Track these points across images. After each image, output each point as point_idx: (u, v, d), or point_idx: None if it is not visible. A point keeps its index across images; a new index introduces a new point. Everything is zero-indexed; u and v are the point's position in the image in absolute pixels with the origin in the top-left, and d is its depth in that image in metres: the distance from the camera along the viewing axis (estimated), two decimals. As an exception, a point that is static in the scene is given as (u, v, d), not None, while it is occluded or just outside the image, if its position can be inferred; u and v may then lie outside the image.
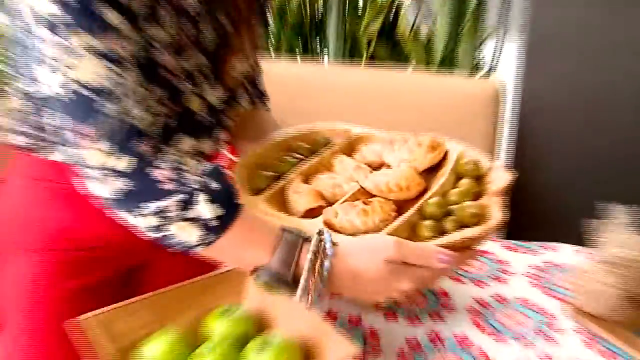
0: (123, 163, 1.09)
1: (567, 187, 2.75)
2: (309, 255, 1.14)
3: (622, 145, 2.62)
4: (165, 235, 1.12)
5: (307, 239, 1.17)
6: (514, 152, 2.73)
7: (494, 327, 1.42)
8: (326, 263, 1.14)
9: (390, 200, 1.34)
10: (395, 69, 2.65)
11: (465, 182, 1.38)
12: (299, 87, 2.57)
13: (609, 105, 2.60)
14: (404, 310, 1.47)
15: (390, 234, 1.25)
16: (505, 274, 1.63)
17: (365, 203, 1.30)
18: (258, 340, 1.20)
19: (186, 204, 1.10)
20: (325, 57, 3.12)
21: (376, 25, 3.08)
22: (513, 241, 1.78)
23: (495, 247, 1.75)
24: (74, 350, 1.23)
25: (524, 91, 2.65)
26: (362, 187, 1.38)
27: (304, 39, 3.17)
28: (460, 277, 1.60)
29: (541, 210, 2.81)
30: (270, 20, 2.90)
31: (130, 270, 1.53)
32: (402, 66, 3.01)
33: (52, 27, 1.04)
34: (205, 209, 1.11)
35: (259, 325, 1.30)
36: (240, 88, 1.54)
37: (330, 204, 1.36)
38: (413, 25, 3.10)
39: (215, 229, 1.12)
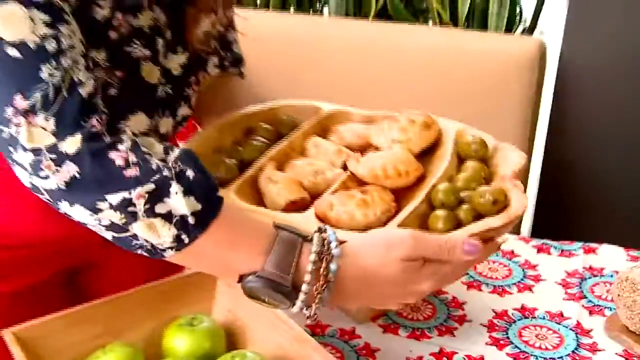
0: (72, 144, 0.92)
1: (614, 175, 2.38)
2: (312, 257, 0.98)
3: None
4: (127, 236, 0.96)
5: (306, 238, 1.01)
6: (549, 128, 2.38)
7: (516, 346, 1.24)
8: (332, 265, 0.98)
9: (386, 188, 1.16)
10: (411, 24, 2.34)
11: (471, 165, 1.20)
12: (291, 46, 2.25)
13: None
14: (406, 322, 1.29)
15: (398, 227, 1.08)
16: (534, 280, 1.41)
17: (362, 192, 1.12)
18: (228, 357, 1.07)
19: (156, 196, 0.93)
20: (325, 10, 2.69)
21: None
22: (545, 240, 1.55)
23: (522, 247, 1.53)
24: None
25: (562, 54, 2.30)
26: (351, 174, 1.19)
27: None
28: (478, 284, 1.40)
29: (581, 202, 2.44)
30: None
31: (74, 272, 1.37)
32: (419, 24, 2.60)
33: None
34: (179, 202, 0.94)
35: (229, 340, 1.17)
36: (209, 51, 1.34)
37: (313, 195, 1.17)
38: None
39: (192, 228, 0.95)
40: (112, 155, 0.93)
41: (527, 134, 2.16)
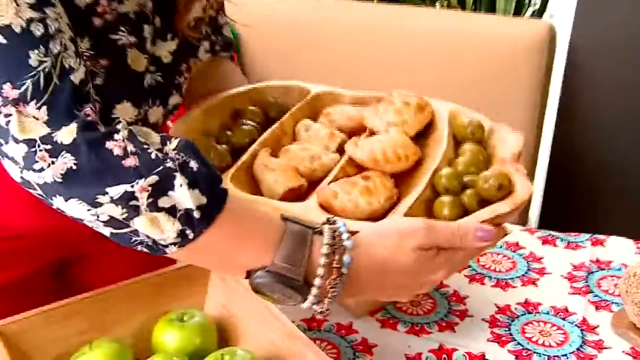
0: (67, 134, 0.87)
1: (624, 163, 2.30)
2: (324, 249, 0.94)
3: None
4: (127, 232, 0.91)
5: (315, 230, 0.97)
6: (558, 114, 2.30)
7: (519, 342, 1.20)
8: (346, 258, 0.95)
9: (386, 173, 1.12)
10: (418, 7, 2.27)
11: (469, 148, 1.16)
12: (294, 28, 2.17)
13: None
14: (405, 316, 1.25)
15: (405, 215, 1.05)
16: (538, 274, 1.37)
17: (364, 179, 1.09)
18: (218, 355, 1.02)
19: (159, 189, 0.88)
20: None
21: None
22: (551, 232, 1.50)
23: (527, 238, 1.48)
24: None
25: (572, 38, 2.24)
26: (349, 158, 1.15)
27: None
28: (481, 277, 1.35)
29: (590, 191, 2.37)
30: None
31: (62, 265, 1.33)
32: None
33: None
34: (184, 195, 0.89)
35: (221, 336, 1.12)
36: (200, 37, 1.29)
37: (310, 181, 1.14)
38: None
39: (197, 222, 0.90)
40: (109, 144, 0.88)
41: (535, 119, 2.12)
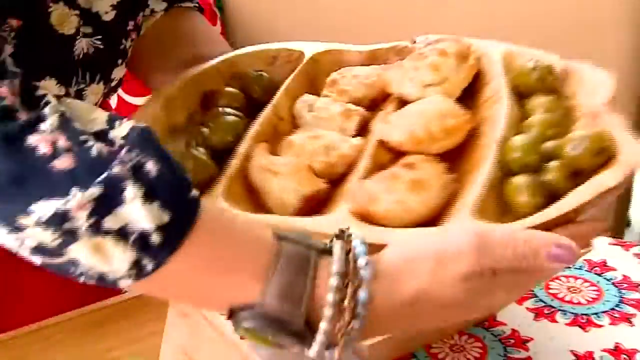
0: None
1: None
2: (333, 281, 0.70)
3: None
4: (65, 262, 0.69)
5: (322, 251, 0.72)
6: None
7: None
8: (362, 293, 0.70)
9: (433, 155, 0.83)
10: None
11: (541, 103, 0.86)
12: None
13: None
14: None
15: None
16: (635, 307, 1.04)
17: (407, 167, 0.79)
18: None
19: (104, 205, 0.66)
20: None
21: None
22: None
23: (619, 255, 1.15)
24: None
25: None
26: (380, 142, 0.85)
27: None
28: (552, 311, 1.03)
29: None
30: None
31: None
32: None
33: None
34: (138, 211, 0.67)
35: None
36: None
37: (330, 181, 0.85)
38: None
39: (157, 249, 0.68)
40: (32, 139, 0.66)
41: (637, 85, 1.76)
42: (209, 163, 0.84)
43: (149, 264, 0.68)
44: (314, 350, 0.71)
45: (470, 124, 0.84)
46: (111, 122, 0.71)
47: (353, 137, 0.88)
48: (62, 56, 0.92)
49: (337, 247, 0.71)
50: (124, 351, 0.97)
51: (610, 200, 0.77)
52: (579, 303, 1.04)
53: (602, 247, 1.14)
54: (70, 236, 0.67)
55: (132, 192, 0.66)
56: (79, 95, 0.95)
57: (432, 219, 0.77)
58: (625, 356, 0.94)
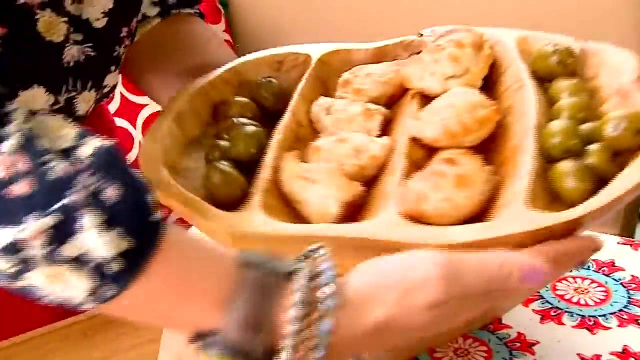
0: None
1: None
2: (293, 312, 0.68)
3: None
4: (25, 287, 0.68)
5: (288, 275, 0.70)
6: None
7: None
8: (325, 324, 0.68)
9: (468, 149, 0.80)
10: None
11: (565, 86, 0.84)
12: None
13: None
14: None
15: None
16: None
17: (448, 163, 0.77)
18: None
19: (61, 233, 0.65)
20: None
21: None
22: None
23: (627, 255, 1.11)
24: None
25: None
26: (412, 140, 0.82)
27: None
28: (558, 314, 1.01)
29: None
30: None
31: None
32: None
33: None
34: (95, 240, 0.65)
35: None
36: None
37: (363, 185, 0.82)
38: None
39: (116, 277, 0.66)
40: None
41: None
42: (239, 177, 0.81)
43: (109, 291, 0.67)
44: None
45: (499, 113, 0.82)
46: (80, 139, 0.69)
47: (378, 137, 0.85)
48: (51, 64, 0.89)
49: (303, 271, 0.69)
50: (120, 359, 0.93)
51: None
52: (586, 305, 1.02)
53: (610, 247, 1.11)
54: (27, 265, 0.65)
55: (89, 220, 0.65)
56: (70, 104, 0.93)
57: (478, 214, 0.75)
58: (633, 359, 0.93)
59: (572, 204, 0.72)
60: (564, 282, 1.05)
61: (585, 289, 1.04)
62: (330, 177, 0.78)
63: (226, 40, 2.15)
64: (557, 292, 1.03)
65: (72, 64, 0.91)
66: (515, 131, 0.81)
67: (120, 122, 1.99)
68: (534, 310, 1.01)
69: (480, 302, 0.73)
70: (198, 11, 1.07)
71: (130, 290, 0.67)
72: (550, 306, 1.02)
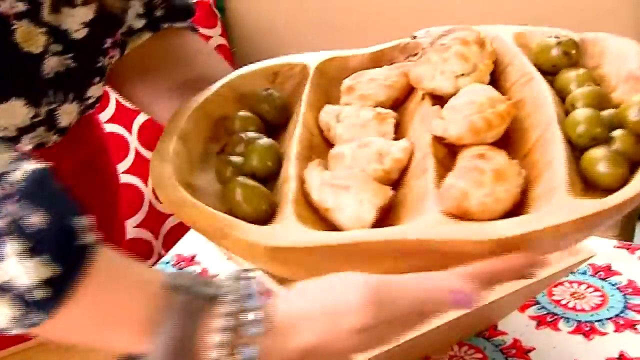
0: None
1: None
2: (217, 338, 0.67)
3: None
4: None
5: (217, 298, 0.69)
6: None
7: None
8: (250, 351, 0.67)
9: (490, 144, 0.79)
10: None
11: (572, 77, 0.85)
12: None
13: None
14: None
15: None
16: None
17: (481, 158, 0.76)
18: None
19: None
20: None
21: None
22: None
23: (624, 259, 1.11)
24: None
25: None
26: (435, 139, 0.81)
27: None
28: (554, 319, 1.01)
29: None
30: None
31: None
32: None
33: None
34: (17, 268, 0.65)
35: None
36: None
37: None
38: None
39: (41, 304, 0.66)
40: None
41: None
42: (265, 190, 0.78)
43: (33, 318, 0.66)
44: None
45: (515, 107, 0.81)
46: (12, 164, 0.67)
47: (393, 140, 0.84)
48: (29, 75, 0.87)
49: (229, 297, 0.68)
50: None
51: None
52: (582, 310, 1.02)
53: (607, 251, 1.11)
54: None
55: (10, 248, 0.63)
56: (51, 116, 0.91)
57: (515, 208, 0.74)
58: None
59: (607, 190, 0.72)
60: (560, 286, 1.05)
61: (582, 294, 1.04)
62: (362, 182, 0.76)
63: (222, 45, 2.12)
64: (553, 297, 1.04)
65: (51, 75, 0.88)
66: (533, 124, 0.80)
67: (115, 128, 1.94)
68: (529, 316, 1.01)
69: (411, 321, 0.72)
70: (191, 25, 1.04)
71: (56, 316, 0.66)
72: (546, 311, 1.02)
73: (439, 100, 0.84)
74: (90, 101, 0.97)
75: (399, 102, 0.89)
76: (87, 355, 0.84)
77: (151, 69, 1.01)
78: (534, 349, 0.97)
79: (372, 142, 0.81)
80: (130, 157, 1.96)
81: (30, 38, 0.85)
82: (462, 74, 0.84)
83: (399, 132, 0.85)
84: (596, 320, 1.00)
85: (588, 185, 0.74)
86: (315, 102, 0.89)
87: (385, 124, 0.85)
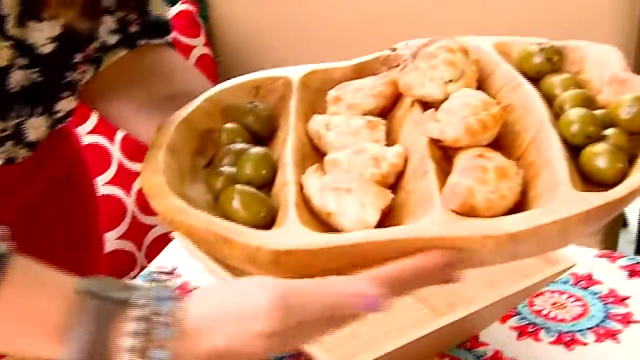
0: None
1: None
2: (127, 342, 0.68)
3: None
4: None
5: (128, 302, 0.70)
6: None
7: None
8: (160, 354, 0.68)
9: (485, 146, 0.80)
10: None
11: (557, 82, 0.86)
12: None
13: None
14: None
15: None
16: (621, 323, 1.01)
17: (482, 158, 0.76)
18: None
19: None
20: None
21: None
22: None
23: (605, 268, 1.10)
24: None
25: None
26: (432, 141, 0.81)
27: None
28: (535, 329, 1.00)
29: None
30: None
31: None
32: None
33: None
34: None
35: None
36: (101, 16, 0.96)
37: None
38: None
39: None
40: None
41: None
42: (265, 197, 0.77)
43: None
44: None
45: (506, 110, 0.82)
46: None
47: (386, 146, 0.83)
48: None
49: (141, 301, 0.69)
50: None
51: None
52: (563, 320, 1.02)
53: (588, 260, 1.12)
54: None
55: None
56: (18, 130, 0.90)
57: (516, 207, 0.74)
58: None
59: (606, 185, 0.73)
60: (541, 296, 1.05)
61: (563, 304, 1.04)
62: (363, 185, 0.76)
63: (206, 54, 2.10)
64: (534, 308, 1.04)
65: (17, 89, 0.87)
66: (524, 127, 0.81)
67: (97, 139, 1.89)
68: (510, 327, 1.01)
69: (321, 325, 0.73)
70: (168, 41, 1.02)
71: None
72: (527, 322, 1.02)
73: (428, 107, 0.84)
74: (59, 115, 0.95)
75: (386, 111, 0.89)
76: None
77: (129, 85, 0.99)
78: (515, 360, 0.97)
79: (367, 148, 0.81)
80: (113, 168, 1.92)
81: None
82: (451, 80, 0.84)
83: (388, 139, 0.85)
84: (577, 330, 1.00)
85: (587, 181, 0.75)
86: (302, 113, 0.88)
87: (376, 131, 0.84)
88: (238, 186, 0.77)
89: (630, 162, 0.75)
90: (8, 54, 0.84)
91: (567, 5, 1.76)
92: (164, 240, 1.31)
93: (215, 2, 2.14)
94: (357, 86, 0.90)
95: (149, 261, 1.31)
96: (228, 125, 0.87)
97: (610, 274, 1.10)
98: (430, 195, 0.74)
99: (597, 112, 0.79)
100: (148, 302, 0.69)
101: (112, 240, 1.90)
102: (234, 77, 0.94)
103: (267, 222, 0.75)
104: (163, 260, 1.25)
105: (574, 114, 0.78)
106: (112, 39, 0.97)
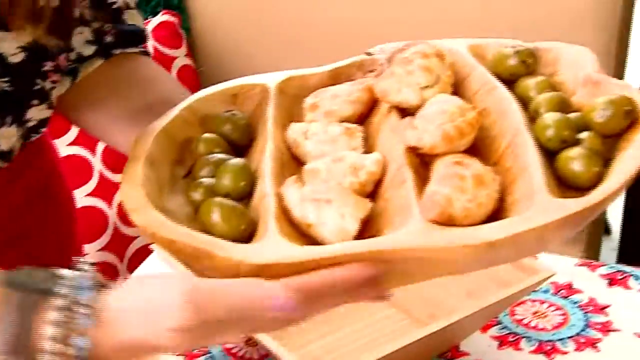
0: None
1: None
2: (49, 331, 0.69)
3: None
4: None
5: (48, 293, 0.71)
6: None
7: None
8: (81, 341, 0.69)
9: (462, 153, 0.80)
10: None
11: (531, 85, 0.87)
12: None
13: None
14: None
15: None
16: (601, 331, 1.02)
17: (459, 165, 0.77)
18: None
19: None
20: None
21: None
22: (621, 267, 1.13)
23: (585, 277, 1.10)
24: None
25: None
26: (409, 149, 0.81)
27: None
28: (516, 339, 1.01)
29: None
30: None
31: None
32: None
33: None
34: None
35: None
36: (70, 33, 0.95)
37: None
38: None
39: None
40: None
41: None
42: (244, 210, 0.77)
43: None
44: None
45: (482, 115, 0.82)
46: None
47: (363, 153, 0.84)
48: None
49: (61, 292, 0.69)
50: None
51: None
52: (544, 329, 1.03)
53: (568, 269, 1.12)
54: None
55: None
56: None
57: (494, 214, 0.74)
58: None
59: (582, 188, 0.74)
60: (522, 305, 1.05)
61: (544, 313, 1.05)
62: (342, 195, 0.76)
63: (187, 65, 2.09)
64: (515, 317, 1.04)
65: None
66: (500, 131, 0.81)
67: (77, 151, 1.87)
68: (491, 336, 1.02)
69: (232, 324, 0.72)
70: (143, 49, 1.01)
71: None
72: (508, 331, 1.02)
73: (405, 113, 0.84)
74: (30, 124, 0.94)
75: (363, 117, 0.88)
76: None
77: (106, 95, 0.98)
78: (496, 369, 0.97)
79: (345, 157, 0.80)
80: (94, 180, 1.91)
81: None
82: (427, 86, 0.84)
83: (366, 145, 0.85)
84: (557, 339, 1.01)
85: (563, 185, 0.76)
86: (280, 121, 0.88)
87: (354, 138, 0.84)
88: (217, 199, 0.77)
89: (605, 165, 0.75)
90: None
91: (553, 7, 1.77)
92: (146, 251, 1.31)
93: (197, 13, 2.15)
94: (333, 92, 0.89)
95: (131, 272, 1.30)
96: (205, 135, 0.87)
97: (590, 283, 1.11)
98: (409, 205, 0.74)
99: (572, 115, 0.80)
100: (69, 291, 0.69)
101: (93, 252, 1.89)
102: (215, 87, 0.95)
103: (247, 235, 0.75)
104: (143, 272, 1.24)
105: (549, 118, 0.79)
106: (88, 50, 0.97)
